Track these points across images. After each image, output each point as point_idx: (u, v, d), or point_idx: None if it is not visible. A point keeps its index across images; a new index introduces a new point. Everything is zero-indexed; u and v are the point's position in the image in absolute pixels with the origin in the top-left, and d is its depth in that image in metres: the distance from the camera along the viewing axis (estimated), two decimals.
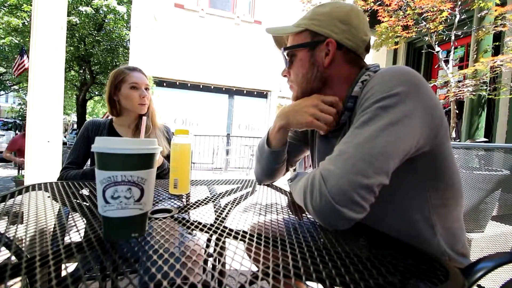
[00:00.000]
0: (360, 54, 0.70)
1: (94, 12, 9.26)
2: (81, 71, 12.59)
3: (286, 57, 0.75)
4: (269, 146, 0.83)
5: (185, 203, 0.73)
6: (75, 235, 0.48)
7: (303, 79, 0.72)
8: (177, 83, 7.48)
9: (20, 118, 13.59)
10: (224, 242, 0.49)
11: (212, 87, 7.65)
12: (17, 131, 9.27)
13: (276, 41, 0.82)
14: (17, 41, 8.89)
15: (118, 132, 1.28)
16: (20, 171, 4.53)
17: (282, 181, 0.96)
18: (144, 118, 0.62)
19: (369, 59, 0.99)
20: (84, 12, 8.87)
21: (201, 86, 7.56)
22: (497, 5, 3.06)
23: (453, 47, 3.45)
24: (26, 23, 8.56)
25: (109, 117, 1.32)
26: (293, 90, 0.76)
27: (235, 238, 0.49)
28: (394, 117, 0.52)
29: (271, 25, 0.79)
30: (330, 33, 0.68)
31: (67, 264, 0.37)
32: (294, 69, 0.74)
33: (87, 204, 0.67)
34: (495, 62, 2.75)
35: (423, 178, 0.60)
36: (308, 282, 0.35)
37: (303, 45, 0.71)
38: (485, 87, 3.01)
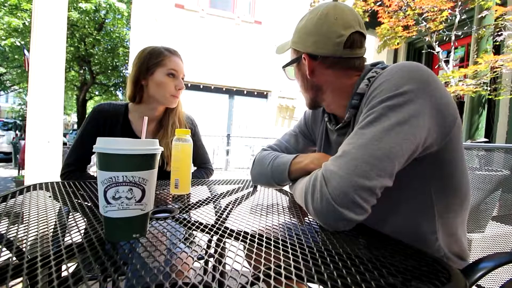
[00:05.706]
0: (341, 55, 0.67)
1: (94, 9, 9.21)
2: (81, 71, 12.61)
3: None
4: (289, 176, 0.74)
5: (186, 204, 0.73)
6: (76, 236, 0.48)
7: (302, 90, 0.79)
8: None
9: (20, 119, 13.63)
10: (225, 243, 0.49)
11: (212, 87, 7.65)
12: (17, 132, 9.27)
13: None
14: (18, 43, 8.89)
15: (133, 129, 1.08)
16: (20, 171, 4.54)
17: None
18: (146, 118, 0.59)
19: (370, 59, 0.98)
20: (84, 9, 8.82)
21: (201, 87, 7.55)
22: (497, 4, 3.05)
23: (453, 47, 3.45)
24: (27, 24, 8.55)
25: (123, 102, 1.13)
26: (304, 98, 0.82)
27: (236, 239, 0.49)
28: (402, 117, 0.51)
29: (277, 41, 0.85)
30: (303, 47, 0.71)
31: (68, 265, 0.37)
32: (296, 81, 0.80)
33: (88, 204, 0.67)
34: (496, 61, 2.74)
35: (429, 180, 0.59)
36: (309, 284, 0.35)
37: (291, 62, 0.77)
38: (486, 87, 3.00)
